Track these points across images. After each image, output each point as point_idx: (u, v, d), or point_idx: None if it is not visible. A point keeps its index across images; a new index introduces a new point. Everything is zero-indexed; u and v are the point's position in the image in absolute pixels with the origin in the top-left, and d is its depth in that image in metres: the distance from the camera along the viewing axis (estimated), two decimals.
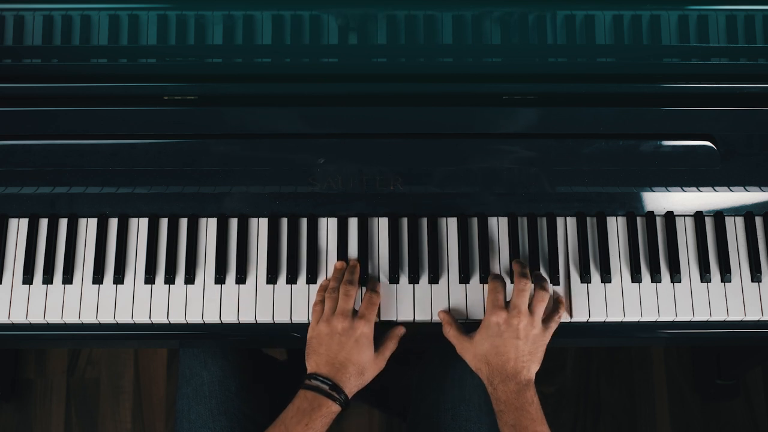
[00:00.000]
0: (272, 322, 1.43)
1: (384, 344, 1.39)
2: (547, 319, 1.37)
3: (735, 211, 1.48)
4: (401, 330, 1.41)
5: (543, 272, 1.44)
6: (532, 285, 1.38)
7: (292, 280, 1.44)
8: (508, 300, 1.37)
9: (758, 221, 1.47)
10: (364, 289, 1.43)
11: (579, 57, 1.44)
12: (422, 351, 1.70)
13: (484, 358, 1.34)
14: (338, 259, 1.45)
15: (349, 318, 1.35)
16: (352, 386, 1.35)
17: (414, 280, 1.44)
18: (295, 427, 1.31)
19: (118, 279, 1.43)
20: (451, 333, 1.39)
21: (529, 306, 1.35)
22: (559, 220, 1.47)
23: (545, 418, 1.33)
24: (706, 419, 2.26)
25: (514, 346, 1.33)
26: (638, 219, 1.47)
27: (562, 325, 1.43)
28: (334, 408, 1.32)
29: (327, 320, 1.36)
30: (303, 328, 1.41)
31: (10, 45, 1.41)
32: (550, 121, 1.42)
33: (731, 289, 1.45)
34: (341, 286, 1.39)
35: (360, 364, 1.35)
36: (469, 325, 1.42)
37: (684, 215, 1.48)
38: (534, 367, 1.34)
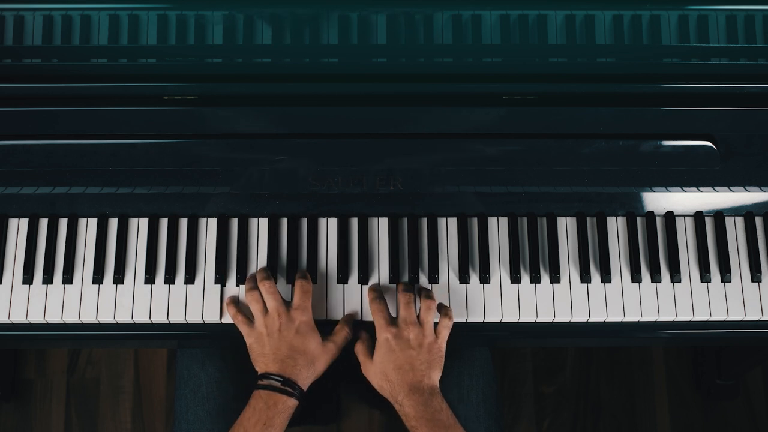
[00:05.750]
0: None
1: (335, 332, 1.40)
2: (437, 326, 1.38)
3: (735, 211, 1.48)
4: (350, 316, 1.42)
5: (543, 272, 1.44)
6: (417, 296, 1.39)
7: (292, 280, 1.44)
8: (395, 315, 1.39)
9: (758, 221, 1.47)
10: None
11: (579, 57, 1.44)
12: None
13: (383, 375, 1.35)
14: (338, 255, 1.44)
15: (284, 312, 1.36)
16: (304, 377, 1.35)
17: (414, 280, 1.44)
18: (254, 427, 1.31)
19: (118, 279, 1.43)
20: (359, 350, 1.39)
21: (418, 316, 1.37)
22: (560, 220, 1.47)
23: (459, 422, 1.34)
24: (706, 419, 2.26)
25: (408, 358, 1.34)
26: (638, 219, 1.47)
27: (563, 325, 1.44)
28: (291, 402, 1.33)
29: (262, 320, 1.37)
30: None
31: (10, 45, 1.41)
32: (550, 121, 1.42)
33: (731, 289, 1.45)
34: (259, 285, 1.39)
35: (307, 353, 1.35)
36: (469, 325, 1.43)
37: (684, 215, 1.48)
38: (435, 375, 1.35)
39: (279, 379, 1.33)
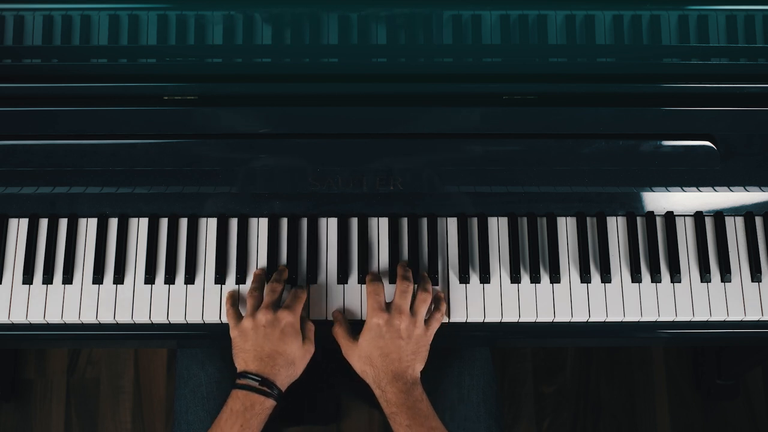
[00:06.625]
0: None
1: (305, 327, 1.38)
2: (429, 319, 1.38)
3: (735, 211, 1.48)
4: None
5: (543, 272, 1.44)
6: (415, 286, 1.39)
7: (291, 281, 1.44)
8: (390, 301, 1.38)
9: (758, 221, 1.47)
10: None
11: (579, 57, 1.44)
12: None
13: (368, 360, 1.34)
14: (338, 255, 1.44)
15: (272, 311, 1.35)
16: (283, 378, 1.35)
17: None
18: (231, 429, 1.31)
19: (118, 279, 1.43)
20: (339, 333, 1.39)
21: (412, 307, 1.36)
22: (560, 220, 1.47)
23: (437, 414, 1.34)
24: (706, 419, 2.26)
25: (397, 347, 1.33)
26: (638, 219, 1.47)
27: (563, 325, 1.44)
28: (268, 404, 1.33)
29: (251, 315, 1.36)
30: None
31: (10, 45, 1.41)
32: (550, 121, 1.42)
33: (731, 289, 1.45)
34: (268, 284, 1.39)
35: (288, 354, 1.34)
36: (469, 325, 1.43)
37: (684, 215, 1.48)
38: (419, 366, 1.35)
39: (257, 378, 1.32)
